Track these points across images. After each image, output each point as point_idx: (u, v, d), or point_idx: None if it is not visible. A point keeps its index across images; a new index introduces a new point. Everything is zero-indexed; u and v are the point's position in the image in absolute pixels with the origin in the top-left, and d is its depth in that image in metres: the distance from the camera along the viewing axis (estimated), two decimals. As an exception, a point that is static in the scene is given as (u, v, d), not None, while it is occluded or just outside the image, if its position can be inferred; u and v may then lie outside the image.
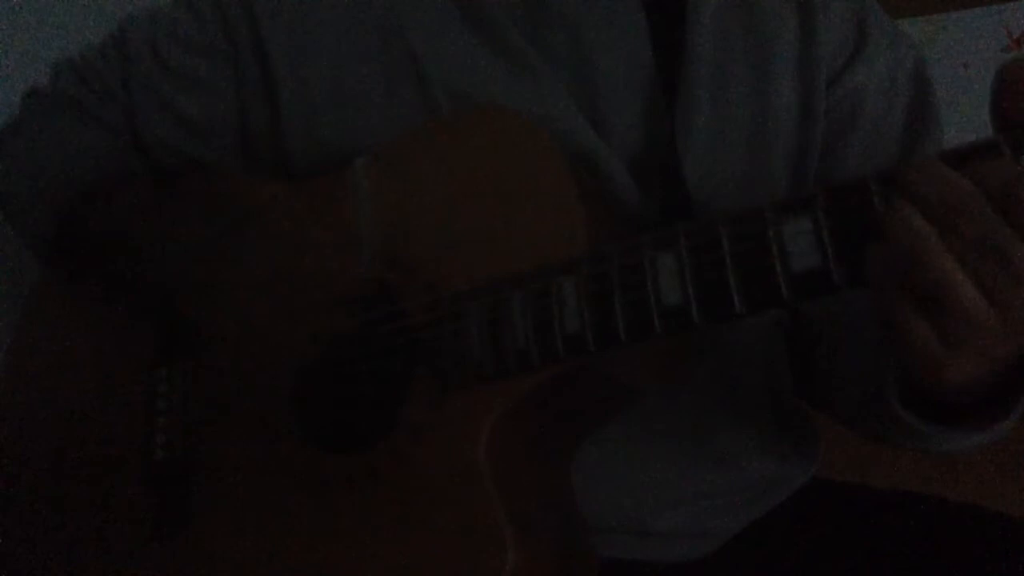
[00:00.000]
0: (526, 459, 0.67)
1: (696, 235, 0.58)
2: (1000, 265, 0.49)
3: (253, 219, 0.79)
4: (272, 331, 0.75)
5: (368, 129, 0.79)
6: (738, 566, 0.81)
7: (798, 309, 0.83)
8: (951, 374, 0.53)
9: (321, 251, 0.75)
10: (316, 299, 0.74)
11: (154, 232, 0.79)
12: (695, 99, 0.77)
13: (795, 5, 0.81)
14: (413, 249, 0.70)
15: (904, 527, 0.79)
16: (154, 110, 0.87)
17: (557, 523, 0.69)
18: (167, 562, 0.75)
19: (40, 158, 0.87)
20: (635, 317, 0.59)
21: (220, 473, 0.75)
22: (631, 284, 0.59)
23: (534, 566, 0.62)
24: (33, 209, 0.86)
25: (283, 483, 0.72)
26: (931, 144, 0.80)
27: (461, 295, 0.67)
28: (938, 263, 0.49)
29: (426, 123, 0.75)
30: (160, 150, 0.87)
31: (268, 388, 0.74)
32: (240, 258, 0.73)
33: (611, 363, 0.65)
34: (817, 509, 0.84)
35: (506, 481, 0.64)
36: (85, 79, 0.89)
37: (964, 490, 1.40)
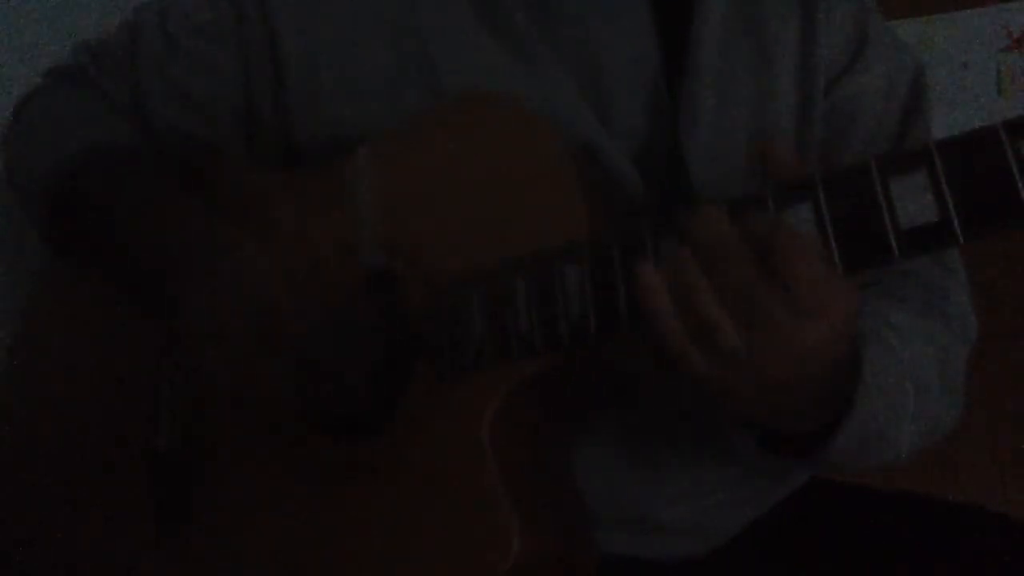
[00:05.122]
0: (529, 447, 0.67)
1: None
2: (753, 309, 0.54)
3: (255, 206, 0.79)
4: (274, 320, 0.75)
5: (374, 115, 0.79)
6: (738, 566, 0.81)
7: None
8: (738, 399, 0.59)
9: (323, 240, 0.75)
10: (319, 289, 0.74)
11: (155, 220, 0.79)
12: (699, 95, 0.78)
13: (798, 8, 0.81)
14: (414, 237, 0.71)
15: (904, 527, 0.79)
16: (161, 90, 0.87)
17: (560, 510, 0.69)
18: (172, 552, 0.75)
19: (47, 126, 0.88)
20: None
21: (224, 464, 0.75)
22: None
23: (538, 553, 0.63)
24: (37, 177, 0.86)
25: (286, 473, 0.72)
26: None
27: (462, 283, 0.67)
28: (703, 302, 0.54)
29: (427, 111, 0.75)
30: (167, 132, 0.87)
31: (270, 378, 0.74)
32: (241, 246, 0.74)
33: (612, 350, 0.65)
34: (817, 509, 0.84)
35: (509, 469, 0.64)
36: (98, 56, 0.90)
37: (964, 490, 1.40)
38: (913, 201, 0.52)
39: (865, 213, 0.53)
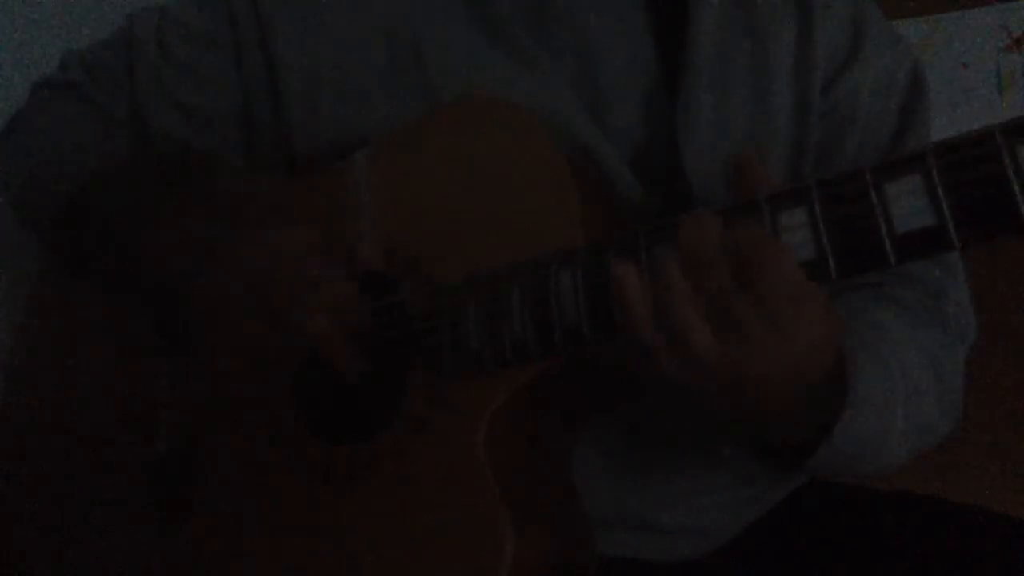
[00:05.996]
0: (526, 450, 0.67)
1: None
2: (727, 317, 0.54)
3: (253, 212, 0.79)
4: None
5: (371, 120, 0.80)
6: (738, 566, 0.81)
7: None
8: (715, 405, 0.59)
9: (323, 242, 0.75)
10: (316, 292, 0.74)
11: (154, 225, 0.80)
12: (696, 98, 0.78)
13: (794, 8, 0.81)
14: (412, 241, 0.71)
15: (904, 527, 0.79)
16: (158, 100, 0.87)
17: (558, 512, 0.69)
18: (171, 554, 0.75)
19: (45, 145, 0.88)
20: None
21: (222, 465, 0.76)
22: None
23: (534, 557, 0.63)
24: (36, 195, 0.86)
25: (284, 475, 0.72)
26: (915, 144, 0.81)
27: (459, 287, 0.67)
28: (678, 303, 0.55)
29: (425, 114, 0.76)
30: (166, 141, 0.88)
31: (269, 380, 0.74)
32: (240, 250, 0.74)
33: (609, 355, 0.65)
34: (817, 509, 0.84)
35: (506, 473, 0.64)
36: (91, 69, 0.90)
37: (965, 490, 1.40)
38: (908, 205, 0.52)
39: (860, 217, 0.53)
